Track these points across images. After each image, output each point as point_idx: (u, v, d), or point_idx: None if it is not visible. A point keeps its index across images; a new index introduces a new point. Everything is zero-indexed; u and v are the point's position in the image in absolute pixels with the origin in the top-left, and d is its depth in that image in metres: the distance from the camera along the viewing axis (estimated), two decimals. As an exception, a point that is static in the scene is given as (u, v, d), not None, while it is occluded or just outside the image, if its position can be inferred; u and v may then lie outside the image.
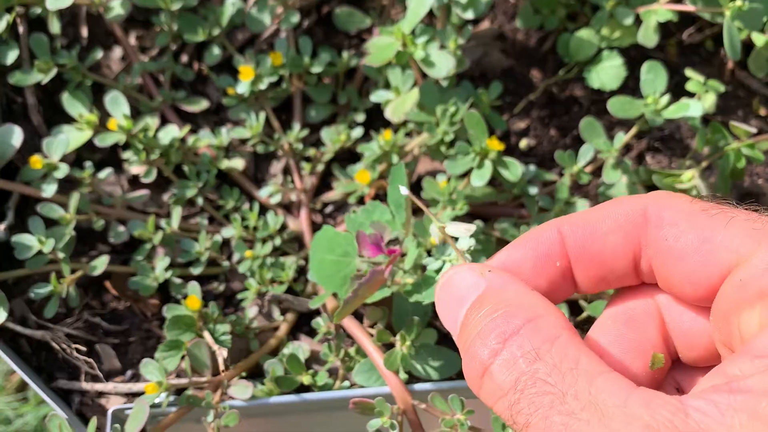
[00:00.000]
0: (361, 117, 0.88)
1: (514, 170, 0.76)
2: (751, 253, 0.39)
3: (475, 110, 0.77)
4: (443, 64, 0.77)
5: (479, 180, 0.75)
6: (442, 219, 0.79)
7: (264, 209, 0.85)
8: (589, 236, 0.45)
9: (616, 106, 0.79)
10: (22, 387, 1.31)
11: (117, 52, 0.92)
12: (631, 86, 0.92)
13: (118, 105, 0.82)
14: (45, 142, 0.79)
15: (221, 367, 0.66)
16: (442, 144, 0.79)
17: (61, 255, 0.74)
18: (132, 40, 0.92)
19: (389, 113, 0.80)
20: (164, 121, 0.88)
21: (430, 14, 0.82)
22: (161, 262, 0.78)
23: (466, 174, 0.77)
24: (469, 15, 0.81)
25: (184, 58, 0.93)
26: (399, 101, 0.81)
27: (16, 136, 0.79)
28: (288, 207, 0.86)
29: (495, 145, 0.76)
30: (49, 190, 0.77)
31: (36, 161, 0.77)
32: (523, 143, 0.92)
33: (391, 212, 0.69)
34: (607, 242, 0.45)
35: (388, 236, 0.66)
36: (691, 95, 0.87)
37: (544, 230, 0.46)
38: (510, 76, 0.96)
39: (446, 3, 0.81)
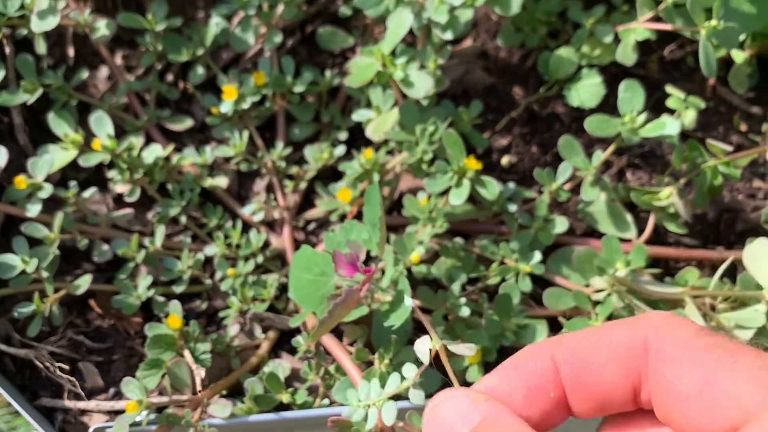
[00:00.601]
0: (343, 135, 0.89)
1: (492, 189, 0.77)
2: (759, 409, 0.37)
3: (454, 129, 0.78)
4: (422, 84, 0.78)
5: (457, 198, 0.76)
6: (422, 237, 0.80)
7: (247, 227, 0.86)
8: (586, 367, 0.43)
9: (593, 125, 0.80)
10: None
11: (103, 71, 0.93)
12: (612, 102, 0.92)
13: (102, 125, 0.83)
14: (30, 162, 0.80)
15: (198, 386, 0.66)
16: (422, 162, 0.80)
17: (45, 274, 0.75)
18: (118, 59, 0.93)
19: (370, 132, 0.81)
20: (149, 140, 0.89)
21: (411, 34, 0.83)
22: (144, 280, 0.79)
23: (446, 192, 0.78)
24: (449, 36, 0.82)
25: (170, 78, 0.94)
26: (380, 120, 0.82)
27: (1, 156, 0.80)
28: (271, 224, 0.87)
29: (473, 164, 0.77)
30: (34, 209, 0.78)
31: (20, 181, 0.78)
32: (505, 160, 0.93)
33: (367, 231, 0.70)
34: (606, 374, 0.43)
35: (364, 255, 0.67)
36: (672, 111, 0.88)
37: (537, 358, 0.44)
38: (492, 94, 0.97)
39: (426, 24, 0.82)
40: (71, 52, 0.93)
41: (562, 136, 0.83)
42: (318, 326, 0.64)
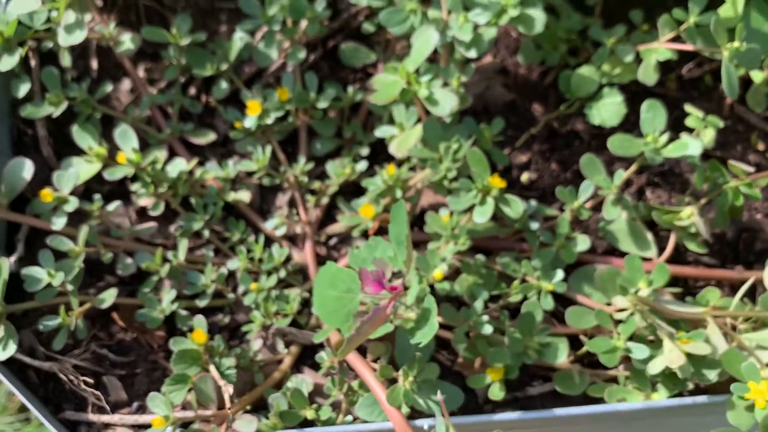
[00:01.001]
0: (365, 151, 0.90)
1: (516, 207, 0.77)
2: None
3: (477, 148, 0.79)
4: (446, 102, 0.79)
5: (481, 216, 0.77)
6: (444, 253, 0.81)
7: (269, 241, 0.87)
8: None
9: (616, 144, 0.80)
10: (24, 408, 1.32)
11: (126, 84, 0.94)
12: (632, 120, 0.93)
13: (127, 138, 0.83)
14: (55, 175, 0.80)
15: (227, 404, 0.67)
16: (445, 179, 0.80)
17: (69, 287, 0.75)
18: (141, 72, 0.94)
19: (393, 149, 0.82)
20: (172, 153, 0.89)
21: (434, 51, 0.83)
22: (168, 294, 0.79)
23: (469, 209, 0.79)
24: (472, 54, 0.82)
25: (192, 91, 0.94)
26: (403, 137, 0.82)
27: (27, 168, 0.80)
28: (293, 239, 0.88)
29: (497, 183, 0.77)
30: (59, 223, 0.78)
31: (46, 194, 0.78)
32: (525, 176, 0.93)
33: (393, 248, 0.70)
34: None
35: (390, 273, 0.67)
36: (690, 130, 0.88)
37: None
38: (512, 110, 0.97)
39: (449, 41, 0.83)
40: (95, 64, 0.93)
41: (585, 155, 0.83)
42: (345, 344, 0.64)
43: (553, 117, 0.96)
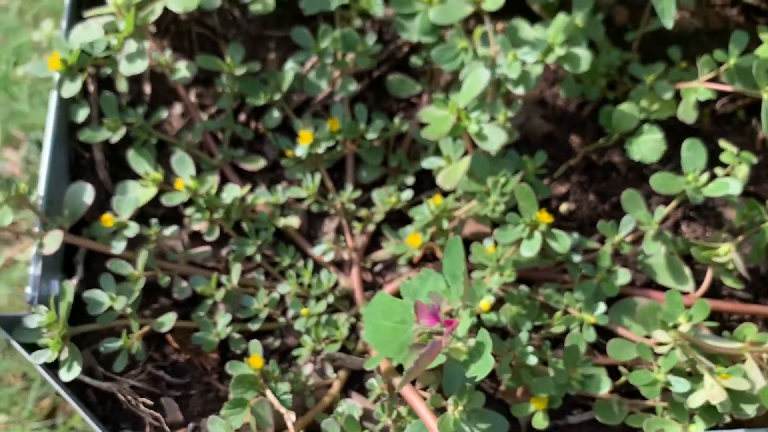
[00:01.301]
0: (410, 180, 0.93)
1: (563, 242, 0.80)
2: None
3: (525, 183, 0.81)
4: (495, 138, 0.81)
5: (529, 251, 0.79)
6: (490, 284, 0.83)
7: (317, 266, 0.89)
8: None
9: (659, 182, 0.83)
10: (52, 413, 1.35)
11: (177, 108, 0.97)
12: (668, 154, 0.95)
13: (184, 166, 0.86)
14: (115, 200, 0.83)
15: (291, 430, 0.69)
16: (493, 212, 0.83)
17: (129, 310, 0.78)
18: (192, 97, 0.97)
19: (441, 180, 0.84)
20: (224, 178, 0.92)
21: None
22: (223, 318, 0.82)
23: (515, 242, 0.81)
24: (520, 90, 0.85)
25: (242, 117, 0.97)
26: (450, 169, 0.85)
27: (88, 193, 0.83)
28: (339, 264, 0.90)
29: (545, 218, 0.80)
30: (119, 247, 0.81)
31: (107, 219, 0.81)
32: (564, 207, 0.96)
33: (445, 281, 0.73)
34: None
35: (446, 307, 0.70)
36: (725, 165, 0.91)
37: None
38: (550, 141, 1.00)
39: (497, 78, 0.85)
40: (148, 89, 0.96)
41: (626, 191, 0.86)
42: (405, 376, 0.66)
43: (592, 149, 0.98)
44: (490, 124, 0.82)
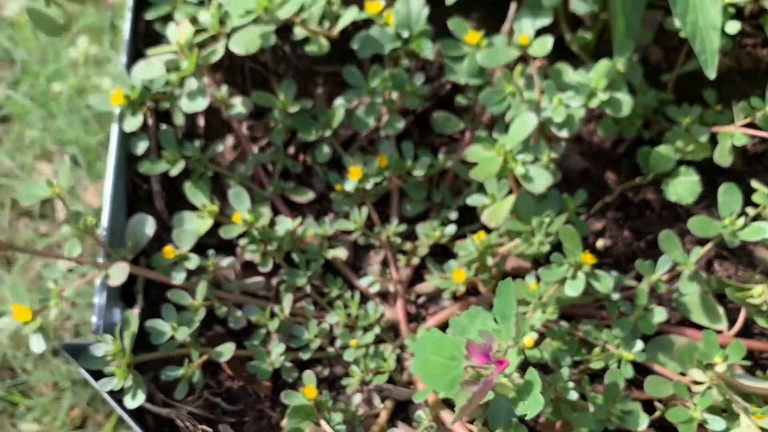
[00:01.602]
0: (454, 215, 0.96)
1: (606, 283, 0.83)
2: None
3: (569, 225, 0.85)
4: (541, 180, 0.85)
5: (573, 290, 0.83)
6: (533, 321, 0.87)
7: (363, 297, 0.93)
8: None
9: (696, 226, 0.86)
10: (83, 423, 1.38)
11: (229, 140, 1.00)
12: (703, 194, 0.98)
13: (240, 199, 0.89)
14: (175, 232, 0.87)
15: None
16: (537, 251, 0.86)
17: (189, 340, 0.82)
18: (244, 129, 1.00)
19: (486, 219, 0.88)
20: (275, 210, 0.96)
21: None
22: (277, 348, 0.85)
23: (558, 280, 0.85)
24: (564, 134, 0.89)
25: (291, 149, 1.00)
26: (495, 208, 0.88)
27: (150, 225, 0.87)
28: (384, 295, 0.94)
29: (588, 259, 0.83)
30: (179, 278, 0.85)
31: (169, 251, 0.84)
32: (600, 243, 0.99)
33: (495, 320, 0.76)
34: None
35: (497, 346, 0.74)
36: (756, 204, 0.94)
37: None
38: (587, 177, 1.03)
39: (542, 120, 0.89)
40: (202, 121, 1.00)
41: (663, 231, 0.89)
42: (457, 413, 0.70)
43: (627, 187, 1.02)
44: (535, 165, 0.86)
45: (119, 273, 0.80)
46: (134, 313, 0.80)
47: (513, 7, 1.04)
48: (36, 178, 1.43)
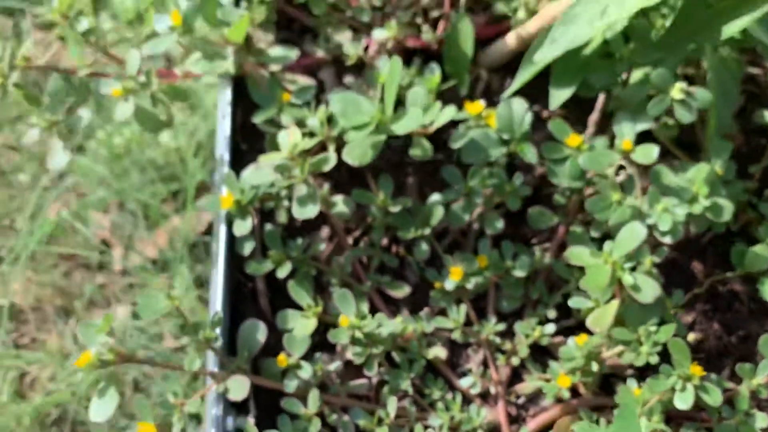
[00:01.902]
0: (552, 313, 0.97)
1: (715, 396, 0.84)
2: None
3: (678, 338, 0.86)
4: (649, 290, 0.86)
5: (683, 404, 0.83)
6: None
7: (465, 398, 0.94)
8: None
9: (798, 334, 0.87)
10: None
11: (324, 230, 1.01)
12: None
13: (347, 302, 0.90)
14: (286, 338, 0.87)
15: None
16: (645, 361, 0.87)
17: (304, 450, 0.83)
18: (339, 221, 1.01)
19: (590, 323, 0.89)
20: (372, 306, 0.96)
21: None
22: (386, 454, 0.86)
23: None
24: (668, 240, 0.90)
25: (384, 241, 1.01)
26: (600, 313, 0.89)
27: (261, 331, 0.88)
28: (484, 396, 0.95)
29: (698, 371, 0.84)
30: (291, 386, 0.86)
31: (283, 360, 0.85)
32: (691, 337, 1.00)
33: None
34: None
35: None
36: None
37: None
38: (674, 267, 1.04)
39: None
40: (300, 217, 1.01)
41: (763, 336, 0.90)
42: None
43: (717, 280, 1.03)
44: (640, 273, 0.87)
45: (240, 388, 0.81)
46: (251, 422, 0.81)
47: (600, 98, 1.05)
48: (93, 230, 1.46)
